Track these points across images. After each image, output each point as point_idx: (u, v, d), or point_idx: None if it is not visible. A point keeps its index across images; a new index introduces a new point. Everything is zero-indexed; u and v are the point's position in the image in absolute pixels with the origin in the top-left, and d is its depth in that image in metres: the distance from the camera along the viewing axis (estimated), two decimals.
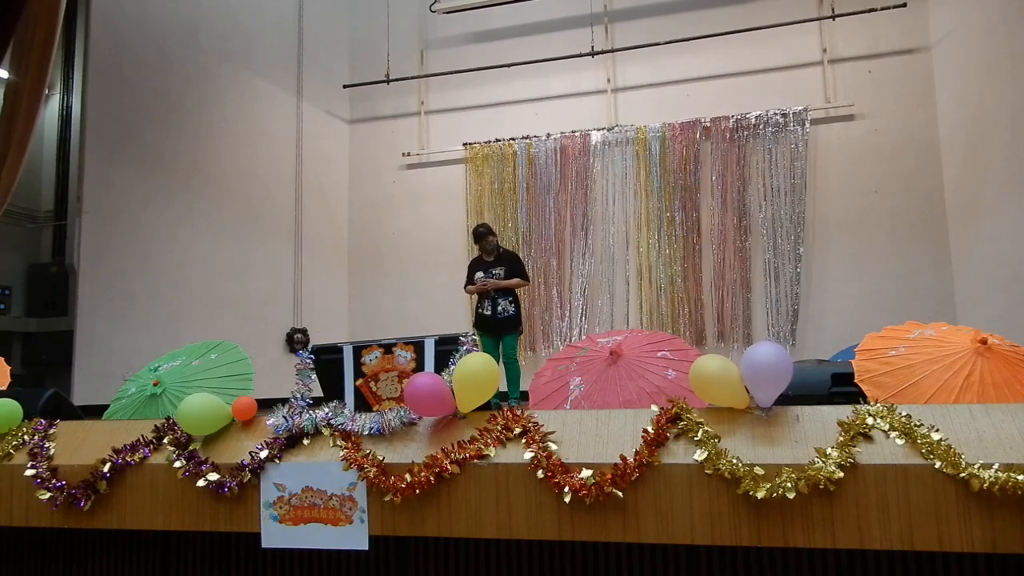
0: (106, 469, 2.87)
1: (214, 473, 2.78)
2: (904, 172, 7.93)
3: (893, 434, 2.22)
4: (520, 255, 7.47)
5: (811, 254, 8.09)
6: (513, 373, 6.19)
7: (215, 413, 2.92)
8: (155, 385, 3.44)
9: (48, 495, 2.90)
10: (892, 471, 2.15)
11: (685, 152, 8.42)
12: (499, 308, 6.18)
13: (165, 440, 2.93)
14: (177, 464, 2.83)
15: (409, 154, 9.52)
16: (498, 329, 6.21)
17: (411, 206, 9.50)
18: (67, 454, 3.01)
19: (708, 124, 8.40)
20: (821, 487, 2.16)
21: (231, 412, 2.96)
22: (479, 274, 6.27)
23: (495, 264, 6.28)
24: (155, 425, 2.99)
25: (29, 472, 2.95)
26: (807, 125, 8.11)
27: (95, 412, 3.64)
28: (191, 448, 2.88)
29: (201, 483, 2.76)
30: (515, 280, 6.25)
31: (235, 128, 8.30)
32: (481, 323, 6.25)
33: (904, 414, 2.26)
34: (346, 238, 9.75)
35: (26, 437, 3.10)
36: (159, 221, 7.23)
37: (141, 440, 2.94)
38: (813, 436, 2.29)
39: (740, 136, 8.29)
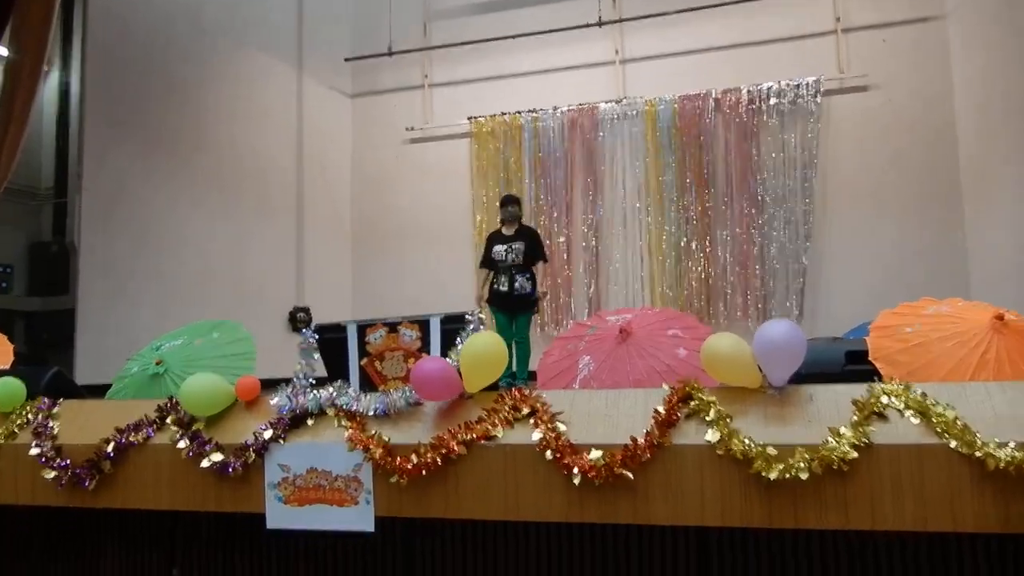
0: (110, 449, 2.89)
1: (218, 453, 2.78)
2: (919, 144, 7.84)
3: (908, 413, 2.20)
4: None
5: (824, 229, 8.03)
6: (523, 352, 6.17)
7: (218, 393, 2.92)
8: (158, 364, 3.44)
9: (53, 474, 2.91)
10: (906, 451, 2.14)
11: (696, 124, 8.35)
12: (516, 285, 6.13)
13: (168, 420, 2.94)
14: (181, 444, 2.84)
15: (412, 129, 9.46)
16: (514, 306, 6.18)
17: (415, 182, 9.46)
18: (71, 433, 3.02)
19: (719, 96, 8.31)
20: (835, 467, 2.15)
21: (234, 392, 2.96)
22: (497, 247, 6.23)
23: (514, 239, 6.24)
24: (158, 405, 2.99)
25: (34, 451, 2.97)
26: (820, 96, 8.02)
27: (98, 391, 3.66)
28: (194, 428, 2.88)
29: (205, 463, 2.77)
30: (540, 293, 6.29)
31: (235, 104, 8.26)
32: (496, 300, 6.23)
33: (920, 392, 2.24)
34: (348, 215, 9.73)
35: (30, 416, 3.11)
36: (159, 198, 7.21)
37: (144, 420, 2.95)
38: (827, 415, 2.27)
39: (751, 108, 8.21)
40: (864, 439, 2.16)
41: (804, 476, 2.15)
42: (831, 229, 8.03)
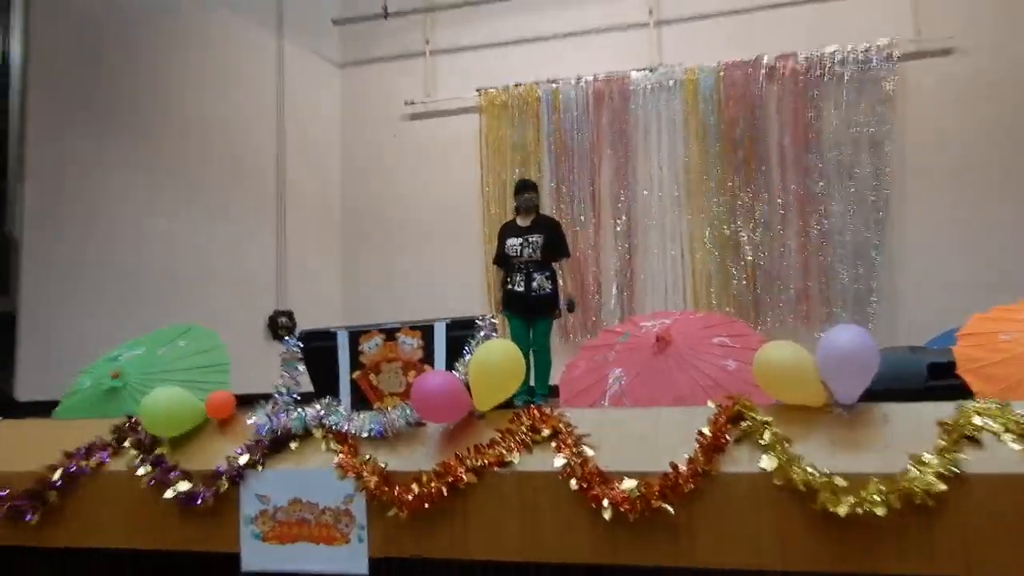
0: (56, 477, 2.89)
1: (185, 482, 2.79)
2: (1011, 116, 7.76)
3: (1007, 437, 2.19)
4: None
5: (899, 217, 7.96)
6: (543, 364, 6.16)
7: (185, 410, 2.93)
8: (114, 377, 3.46)
9: None
10: (1006, 482, 2.12)
11: (745, 97, 8.31)
12: (534, 284, 6.11)
13: (126, 442, 2.95)
14: (141, 471, 2.85)
15: (412, 103, 9.47)
16: (532, 310, 6.17)
17: (415, 164, 9.48)
18: (9, 459, 3.03)
19: (773, 63, 8.27)
20: (917, 502, 2.13)
21: (204, 409, 2.97)
22: (511, 240, 6.23)
23: (531, 231, 6.23)
24: (114, 425, 3.00)
25: None
26: (894, 62, 7.96)
27: (43, 409, 3.67)
28: (157, 452, 2.89)
29: (169, 494, 2.77)
30: (569, 299, 6.27)
31: (203, 73, 8.29)
32: (511, 302, 6.22)
33: (1020, 412, 2.23)
34: (338, 203, 9.76)
35: None
36: (115, 184, 7.24)
37: (98, 442, 2.96)
38: (906, 439, 2.26)
39: (812, 77, 8.16)
40: (953, 468, 2.14)
41: (880, 512, 2.13)
42: (908, 217, 7.96)
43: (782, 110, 8.25)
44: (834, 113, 8.12)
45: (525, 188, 6.44)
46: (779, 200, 8.21)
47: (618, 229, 8.64)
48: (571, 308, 6.34)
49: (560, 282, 6.26)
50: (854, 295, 7.95)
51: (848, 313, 7.89)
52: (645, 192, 8.62)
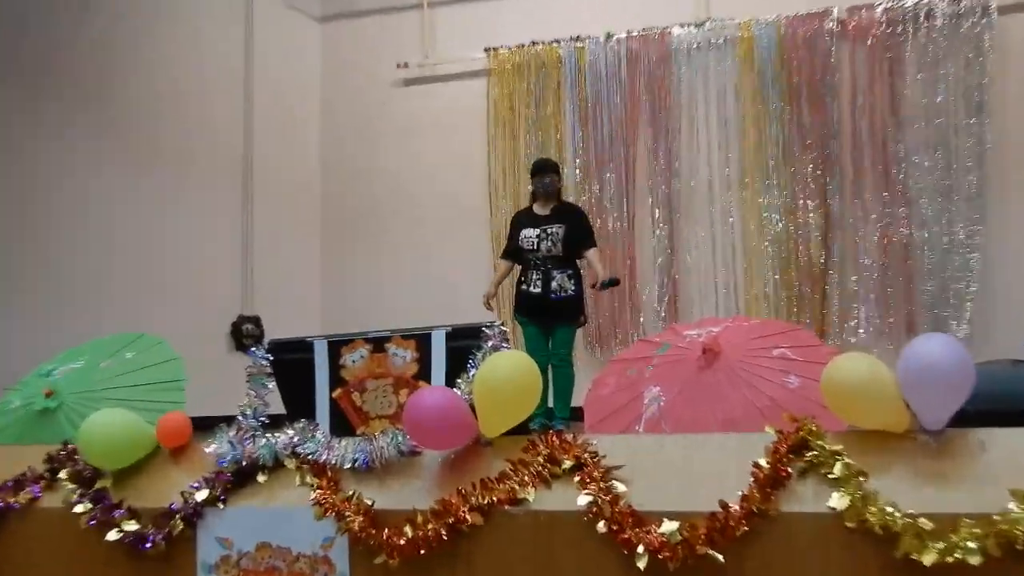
0: None
1: (132, 522, 2.80)
2: None
3: None
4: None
5: (1001, 207, 7.93)
6: (564, 381, 6.18)
7: (132, 437, 2.93)
8: (48, 396, 3.47)
9: None
10: None
11: (810, 57, 8.30)
12: (553, 285, 6.13)
13: (62, 474, 2.95)
14: (79, 508, 2.86)
15: (406, 65, 9.50)
16: (550, 315, 6.18)
17: (410, 139, 9.51)
18: None
19: (844, 16, 8.27)
20: (1020, 547, 2.11)
21: (155, 435, 2.97)
22: (527, 231, 6.22)
23: (551, 220, 6.23)
24: (48, 453, 3.01)
25: None
26: (992, 14, 7.94)
27: None
28: (99, 486, 2.90)
29: (113, 535, 2.78)
30: (597, 266, 6.26)
31: (155, 29, 8.33)
32: (526, 306, 6.24)
33: None
34: (318, 186, 9.80)
35: None
36: (48, 159, 7.28)
37: (29, 474, 2.97)
38: (1007, 472, 2.25)
39: (892, 33, 8.14)
40: None
41: (975, 560, 2.11)
42: (1011, 205, 7.93)
43: (856, 74, 8.24)
44: (920, 78, 8.09)
45: (545, 170, 6.44)
46: (852, 185, 8.20)
47: (657, 218, 8.65)
48: (612, 283, 6.28)
49: (594, 274, 6.21)
50: (945, 299, 7.91)
51: (937, 320, 7.87)
52: (689, 172, 8.64)
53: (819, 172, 8.25)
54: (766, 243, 8.35)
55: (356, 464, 2.70)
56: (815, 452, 2.38)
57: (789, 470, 2.36)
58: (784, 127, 8.35)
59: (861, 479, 2.30)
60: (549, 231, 6.17)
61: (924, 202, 8.02)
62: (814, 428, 2.42)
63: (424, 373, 2.99)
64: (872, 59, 8.21)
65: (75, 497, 2.88)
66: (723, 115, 8.59)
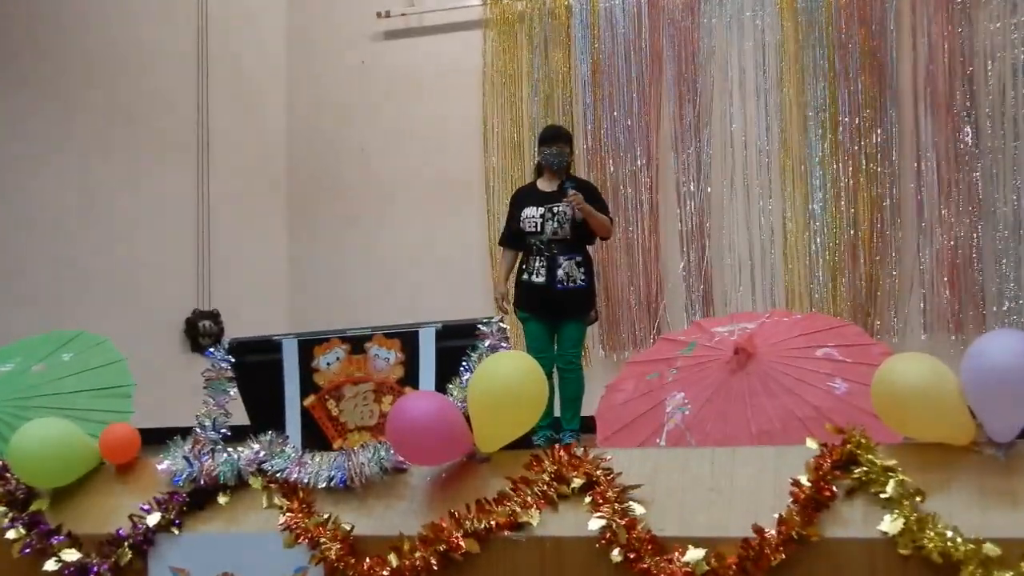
0: None
1: (71, 550, 2.81)
2: None
3: None
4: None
5: None
6: (573, 385, 6.18)
7: (72, 451, 2.94)
8: None
9: None
10: None
11: (865, 9, 8.29)
12: (559, 273, 6.10)
13: None
14: (11, 535, 2.88)
15: (387, 15, 9.48)
16: (556, 309, 6.17)
17: (392, 103, 9.50)
18: None
19: None
20: None
21: (98, 450, 2.98)
22: (529, 211, 6.21)
23: (558, 197, 6.21)
24: None
25: None
26: None
27: None
28: (33, 508, 2.92)
29: (51, 565, 2.80)
30: (602, 217, 6.23)
31: None
32: (529, 298, 6.23)
33: None
34: (283, 160, 9.81)
35: None
36: None
37: None
38: None
39: None
40: None
41: None
42: None
43: (918, 29, 8.21)
44: (992, 30, 8.05)
45: (554, 139, 6.39)
46: (914, 160, 8.18)
47: (683, 195, 8.65)
48: (572, 184, 6.19)
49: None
50: (1017, 291, 7.93)
51: (1011, 316, 7.85)
52: (721, 140, 8.64)
53: (873, 145, 8.22)
54: (810, 225, 8.34)
55: (332, 483, 2.71)
56: (864, 468, 2.37)
57: (834, 489, 2.36)
58: (832, 87, 8.32)
59: (917, 499, 2.30)
60: (556, 210, 6.12)
61: (999, 180, 7.95)
62: (863, 440, 2.42)
63: (411, 377, 3.00)
64: (937, 11, 8.12)
65: (6, 522, 2.90)
66: (760, 72, 8.56)
